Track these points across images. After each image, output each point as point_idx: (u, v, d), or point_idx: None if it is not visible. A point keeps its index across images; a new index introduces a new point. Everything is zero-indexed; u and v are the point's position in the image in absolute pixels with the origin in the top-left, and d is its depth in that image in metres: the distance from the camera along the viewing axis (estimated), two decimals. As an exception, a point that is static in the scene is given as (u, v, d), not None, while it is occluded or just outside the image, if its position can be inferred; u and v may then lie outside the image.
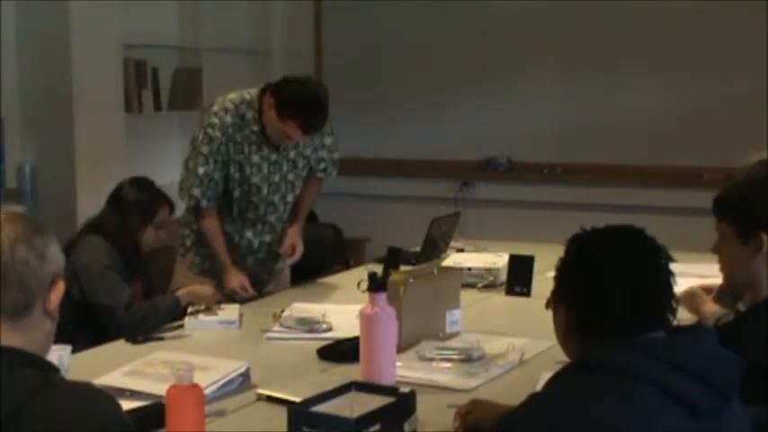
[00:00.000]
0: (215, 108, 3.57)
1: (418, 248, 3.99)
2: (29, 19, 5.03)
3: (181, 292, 3.33)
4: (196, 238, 3.72)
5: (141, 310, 3.28)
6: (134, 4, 5.46)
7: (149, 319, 3.20)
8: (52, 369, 1.60)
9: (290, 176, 3.71)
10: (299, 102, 3.44)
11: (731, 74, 5.51)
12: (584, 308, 1.74)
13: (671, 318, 1.75)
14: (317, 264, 5.58)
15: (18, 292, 1.56)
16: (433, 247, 4.01)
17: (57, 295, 1.62)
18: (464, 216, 5.24)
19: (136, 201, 3.51)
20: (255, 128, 3.57)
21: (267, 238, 3.75)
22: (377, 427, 1.98)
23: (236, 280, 3.57)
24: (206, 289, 3.38)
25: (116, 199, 3.54)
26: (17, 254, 1.56)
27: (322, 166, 3.80)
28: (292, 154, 3.69)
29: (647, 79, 5.73)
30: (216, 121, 3.54)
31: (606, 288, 1.71)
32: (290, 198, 3.75)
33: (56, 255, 1.63)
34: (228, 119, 3.54)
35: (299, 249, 3.76)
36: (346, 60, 6.48)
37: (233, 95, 3.60)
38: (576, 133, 5.92)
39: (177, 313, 3.21)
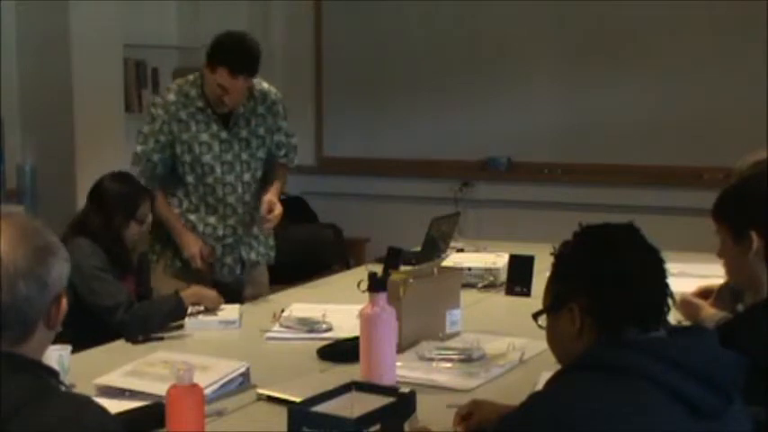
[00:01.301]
0: (160, 92, 3.64)
1: (418, 248, 3.98)
2: (29, 19, 5.04)
3: (185, 293, 3.32)
4: (162, 237, 3.73)
5: (143, 309, 3.27)
6: (134, 4, 5.46)
7: (152, 318, 3.18)
8: (51, 374, 1.59)
9: (244, 156, 3.69)
10: (226, 45, 3.50)
11: (731, 74, 5.51)
12: (599, 304, 1.71)
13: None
14: (317, 264, 5.59)
15: (18, 326, 1.54)
16: (433, 247, 4.00)
17: (58, 310, 1.60)
18: (464, 216, 5.24)
19: (118, 196, 3.44)
20: (200, 103, 3.60)
21: (231, 221, 3.73)
22: (377, 427, 1.98)
23: (195, 245, 3.62)
24: (210, 291, 3.37)
25: (98, 195, 3.47)
26: (17, 292, 1.52)
27: (282, 151, 3.81)
28: (244, 133, 3.68)
29: (647, 79, 5.73)
30: (158, 100, 3.67)
31: (607, 285, 1.71)
32: (246, 177, 3.71)
33: (59, 275, 1.58)
34: (171, 96, 3.61)
35: (279, 208, 3.67)
36: (346, 60, 6.48)
37: (180, 79, 3.69)
38: (576, 133, 5.92)
39: (180, 314, 3.20)
